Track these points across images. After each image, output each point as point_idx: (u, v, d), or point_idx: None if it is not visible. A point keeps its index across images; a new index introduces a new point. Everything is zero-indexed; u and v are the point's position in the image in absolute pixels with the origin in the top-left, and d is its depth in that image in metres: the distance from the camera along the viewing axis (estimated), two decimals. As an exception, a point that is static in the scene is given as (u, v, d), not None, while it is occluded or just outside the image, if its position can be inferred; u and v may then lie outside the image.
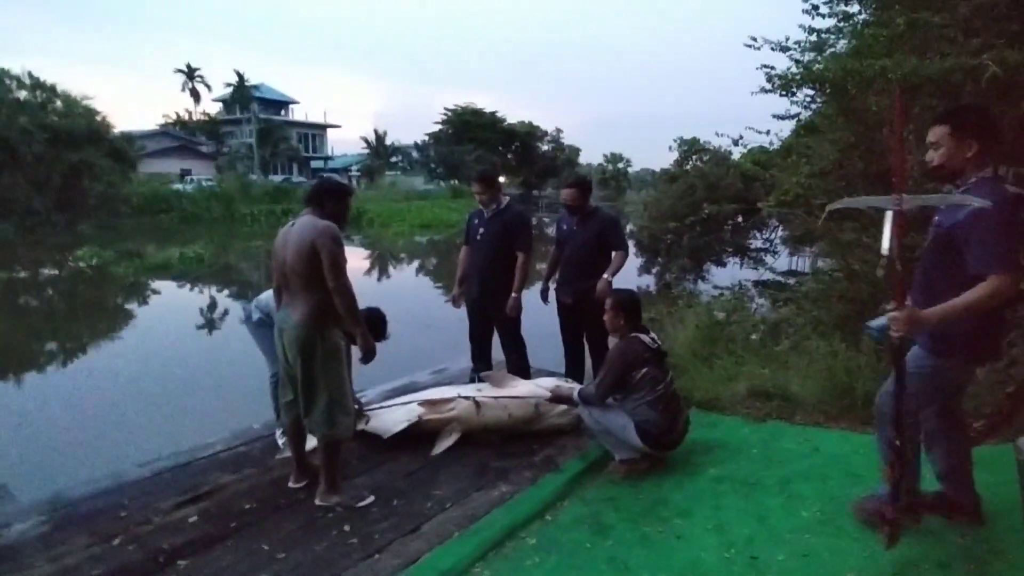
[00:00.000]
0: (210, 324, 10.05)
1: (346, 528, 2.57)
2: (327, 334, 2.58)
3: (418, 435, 3.39)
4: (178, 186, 30.53)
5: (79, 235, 19.87)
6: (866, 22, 4.18)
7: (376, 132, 48.31)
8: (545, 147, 48.70)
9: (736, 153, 12.82)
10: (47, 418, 5.40)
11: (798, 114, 6.12)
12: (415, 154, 47.73)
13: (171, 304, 11.78)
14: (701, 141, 12.21)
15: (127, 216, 24.20)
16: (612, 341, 3.29)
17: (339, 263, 2.53)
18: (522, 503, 2.80)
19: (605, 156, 61.05)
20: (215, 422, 4.86)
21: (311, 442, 2.95)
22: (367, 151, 49.25)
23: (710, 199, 10.48)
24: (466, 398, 3.48)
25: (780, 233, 13.20)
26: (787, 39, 4.80)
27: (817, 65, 4.57)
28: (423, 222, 28.31)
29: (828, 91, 4.47)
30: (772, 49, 4.91)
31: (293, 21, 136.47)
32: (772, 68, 5.09)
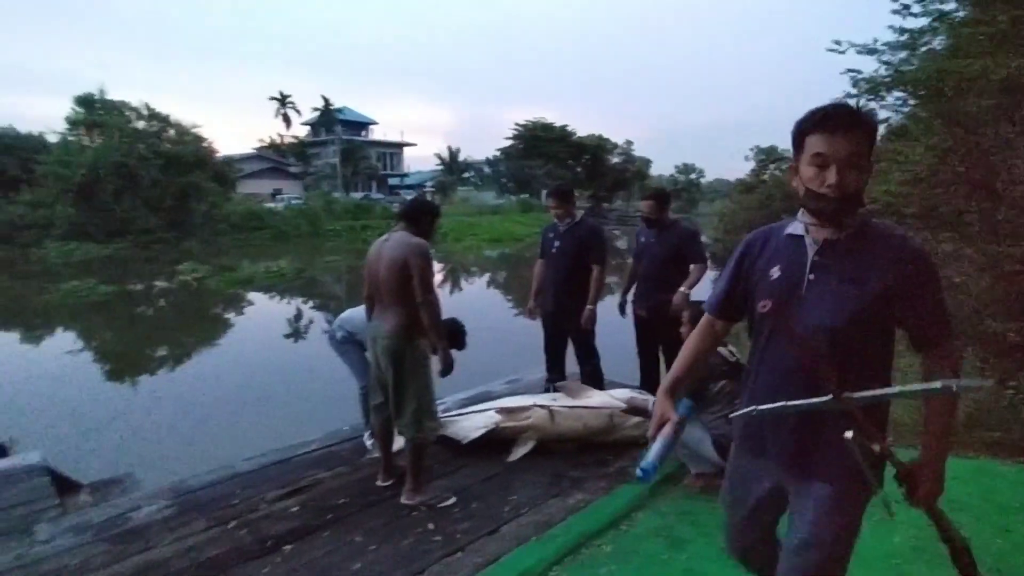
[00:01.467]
0: (295, 333, 10.75)
1: (430, 526, 2.73)
2: (416, 344, 2.77)
3: (495, 442, 3.52)
4: (270, 205, 32.77)
5: (185, 251, 21.75)
6: (963, 20, 3.95)
7: (449, 149, 49.89)
8: (615, 159, 48.41)
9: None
10: (162, 415, 5.99)
11: (887, 119, 5.84)
12: (486, 169, 48.81)
13: (259, 315, 12.68)
14: (779, 149, 11.81)
15: (226, 233, 26.21)
16: None
17: (428, 279, 2.71)
18: (597, 511, 2.85)
19: (677, 167, 59.93)
20: (303, 424, 5.22)
21: (397, 443, 3.14)
22: (441, 167, 50.88)
23: (789, 210, 10.09)
24: (542, 407, 3.58)
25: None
26: (875, 41, 4.62)
27: (908, 67, 4.37)
28: (494, 236, 28.84)
29: (921, 94, 4.27)
30: (858, 52, 4.74)
31: (372, 46, 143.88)
32: (858, 72, 4.92)
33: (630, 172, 48.78)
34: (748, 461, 1.51)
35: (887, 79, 4.27)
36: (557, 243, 3.97)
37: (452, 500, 2.94)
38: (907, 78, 4.26)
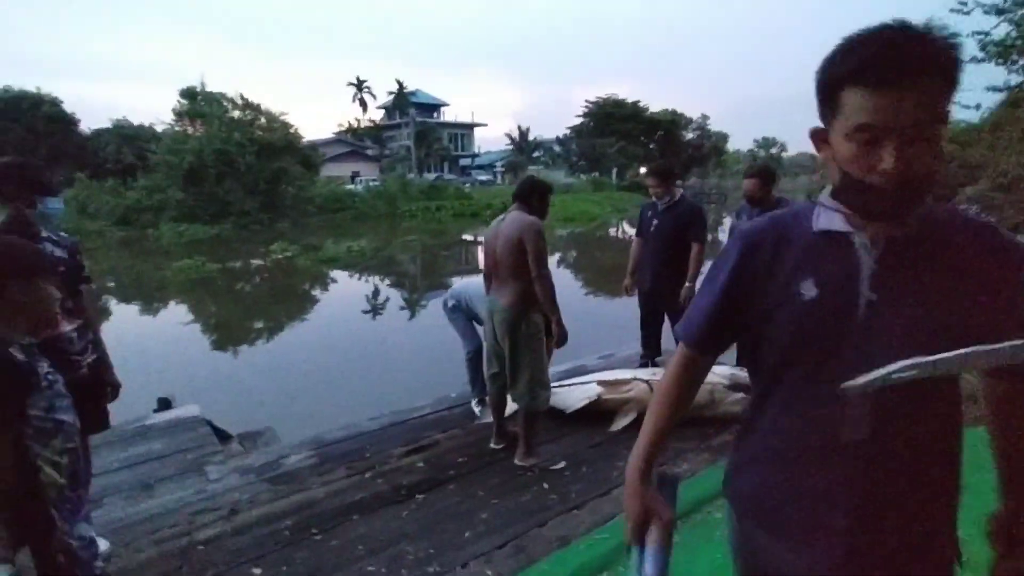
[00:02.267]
0: (374, 309, 11.31)
1: (544, 486, 2.94)
2: (530, 317, 2.96)
3: (596, 413, 3.68)
4: (350, 187, 34.22)
5: (279, 232, 23.24)
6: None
7: (519, 128, 49.83)
8: (690, 135, 46.76)
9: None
10: (279, 380, 6.59)
11: (1019, 84, 5.42)
12: (557, 148, 48.47)
13: (343, 291, 13.40)
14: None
15: (313, 215, 27.72)
16: None
17: (542, 256, 2.88)
18: (704, 480, 2.96)
19: (756, 141, 57.10)
20: (397, 392, 5.61)
21: (508, 408, 3.37)
22: (511, 147, 51.02)
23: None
24: (643, 381, 3.70)
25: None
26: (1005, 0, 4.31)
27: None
28: (566, 216, 28.77)
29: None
30: (985, 12, 4.44)
31: (442, 30, 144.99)
32: (987, 34, 4.61)
33: (706, 147, 47.05)
34: (764, 538, 1.01)
35: (1019, 41, 3.98)
36: (656, 221, 4.03)
37: (563, 464, 3.14)
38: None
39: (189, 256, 16.03)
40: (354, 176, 39.64)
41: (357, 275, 15.01)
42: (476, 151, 58.24)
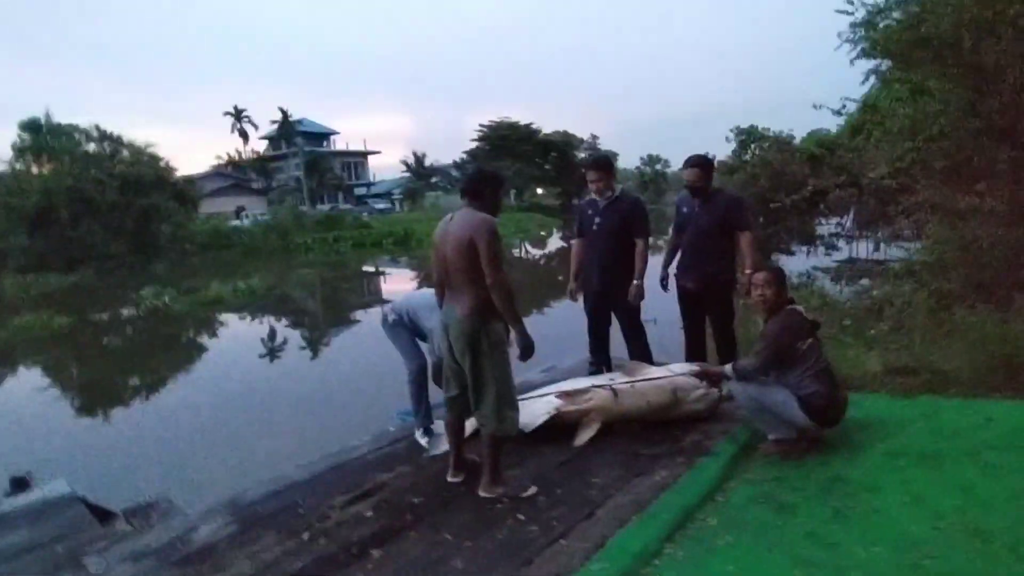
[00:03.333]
0: (272, 351, 10.26)
1: (520, 517, 2.56)
2: (491, 328, 2.59)
3: (555, 427, 3.37)
4: (236, 222, 31.85)
5: (153, 275, 20.88)
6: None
7: (415, 154, 49.48)
8: (582, 154, 48.70)
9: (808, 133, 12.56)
10: (176, 440, 5.63)
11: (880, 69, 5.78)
12: (454, 173, 48.45)
13: (237, 335, 11.92)
14: (759, 128, 11.96)
15: (194, 254, 25.33)
16: (755, 325, 3.20)
17: (497, 258, 2.54)
18: (688, 486, 2.73)
19: (642, 159, 60.63)
20: (329, 432, 4.98)
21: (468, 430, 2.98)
22: (407, 174, 50.33)
23: (776, 188, 10.19)
24: (602, 387, 3.45)
25: (848, 219, 12.72)
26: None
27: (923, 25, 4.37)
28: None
29: (936, 48, 4.27)
30: (868, 11, 4.75)
31: (326, 57, 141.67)
32: (862, 30, 4.92)
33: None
34: None
35: (904, 38, 4.24)
36: (598, 219, 3.84)
37: (534, 489, 2.78)
38: (924, 35, 4.25)
39: (36, 310, 13.78)
40: (239, 211, 36.99)
41: (249, 316, 13.63)
42: (371, 179, 56.76)
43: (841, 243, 12.40)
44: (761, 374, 2.94)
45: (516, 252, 26.08)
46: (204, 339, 12.06)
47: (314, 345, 10.60)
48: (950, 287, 4.54)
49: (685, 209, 3.89)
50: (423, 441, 3.41)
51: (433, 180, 50.24)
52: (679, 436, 3.28)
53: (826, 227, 12.08)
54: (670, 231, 4.10)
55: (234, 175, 44.04)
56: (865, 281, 9.00)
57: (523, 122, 45.47)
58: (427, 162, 49.79)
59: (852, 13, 4.79)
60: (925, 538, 2.12)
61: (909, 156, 4.42)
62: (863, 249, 12.69)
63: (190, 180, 29.15)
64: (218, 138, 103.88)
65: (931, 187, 4.69)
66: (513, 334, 2.67)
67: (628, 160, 61.10)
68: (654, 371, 3.56)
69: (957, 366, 3.58)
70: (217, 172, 43.19)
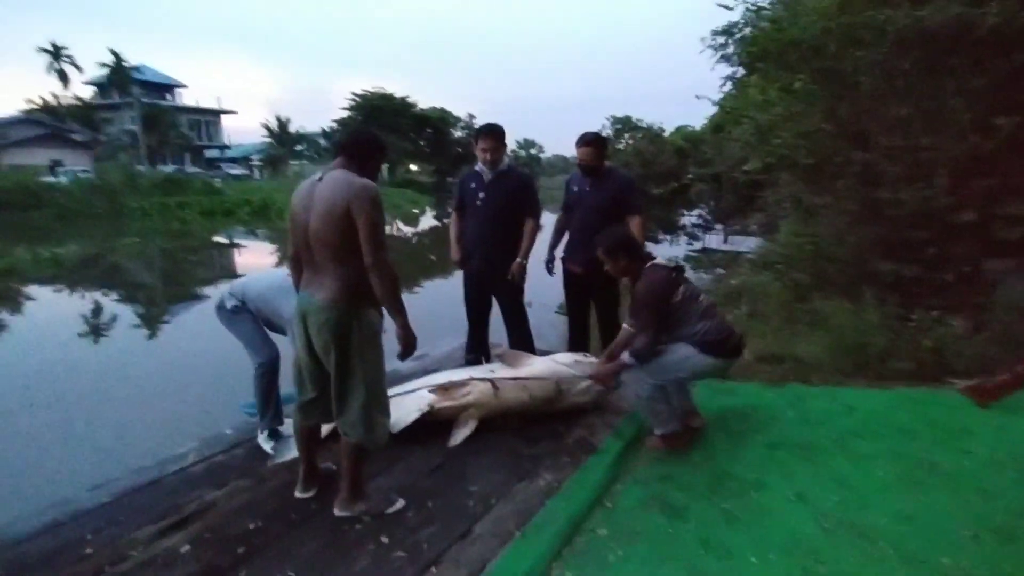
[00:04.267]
0: (90, 331, 8.68)
1: (384, 540, 2.14)
2: (363, 316, 2.10)
3: (428, 426, 2.98)
4: (50, 179, 26.97)
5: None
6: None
7: (278, 119, 45.30)
8: (459, 133, 48.06)
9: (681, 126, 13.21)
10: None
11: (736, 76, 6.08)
12: (322, 142, 45.35)
13: (36, 313, 9.89)
14: (634, 119, 12.42)
15: (-11, 213, 21.00)
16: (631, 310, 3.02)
17: (379, 232, 2.03)
18: (575, 491, 2.49)
19: (518, 142, 61.49)
20: (149, 438, 4.13)
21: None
22: (268, 139, 46.15)
23: (649, 176, 10.64)
24: (482, 380, 3.11)
25: (704, 210, 13.73)
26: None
27: (794, 27, 4.53)
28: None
29: (804, 50, 4.44)
30: (748, 9, 4.85)
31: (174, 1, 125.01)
32: (733, 32, 5.05)
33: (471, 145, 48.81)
34: None
35: (775, 41, 4.36)
36: (482, 194, 3.46)
37: (401, 503, 2.37)
38: (790, 37, 4.41)
39: None
40: (55, 166, 31.36)
41: (55, 291, 11.28)
42: (226, 142, 51.32)
43: (699, 232, 13.41)
44: (655, 344, 2.74)
45: (388, 229, 24.99)
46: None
47: (142, 326, 9.07)
48: (804, 279, 4.82)
49: (575, 188, 3.64)
50: (267, 447, 2.83)
51: (298, 148, 46.58)
52: (562, 432, 3.05)
53: (688, 218, 12.95)
54: (555, 215, 3.85)
55: (50, 123, 37.22)
56: (719, 270, 9.59)
57: (398, 95, 43.66)
58: (292, 128, 45.95)
59: (732, 8, 4.86)
60: (814, 540, 2.05)
61: (778, 152, 4.60)
62: (715, 241, 13.82)
63: (-15, 123, 24.05)
64: (30, 80, 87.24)
65: (793, 183, 4.93)
66: (394, 327, 2.20)
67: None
68: (537, 363, 3.28)
69: (817, 355, 3.75)
70: (27, 118, 36.23)
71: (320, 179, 2.11)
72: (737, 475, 2.54)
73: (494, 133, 3.39)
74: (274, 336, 2.90)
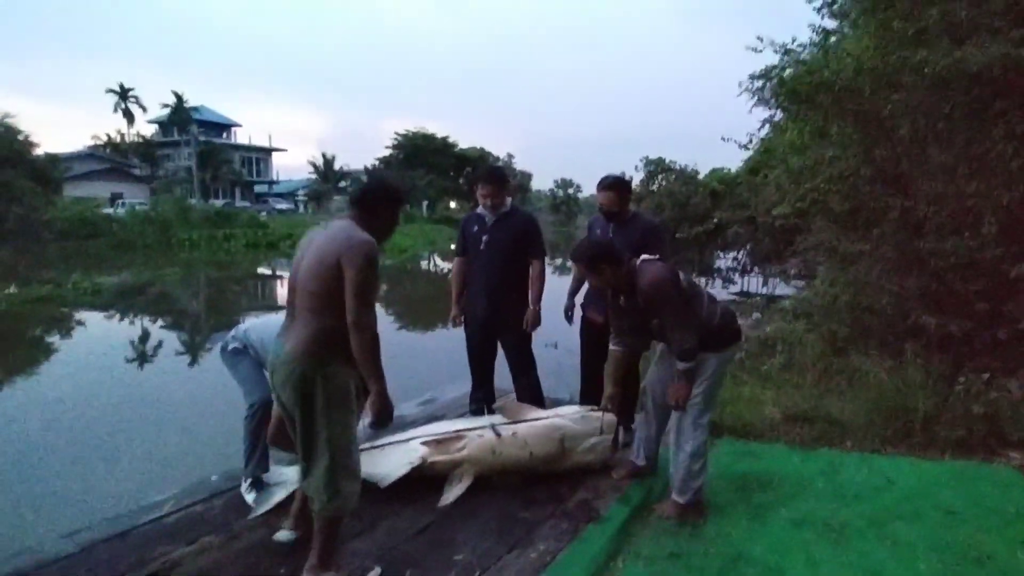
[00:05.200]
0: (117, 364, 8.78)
1: (351, 617, 1.95)
2: (331, 373, 1.95)
3: (420, 480, 2.78)
4: (108, 210, 28.50)
5: (-5, 262, 17.93)
6: (883, 20, 3.96)
7: (324, 156, 47.11)
8: (497, 173, 48.86)
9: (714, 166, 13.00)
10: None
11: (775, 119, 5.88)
12: (365, 178, 46.77)
13: (71, 344, 9.82)
14: (667, 160, 12.27)
15: (50, 241, 22.18)
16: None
17: (367, 291, 1.90)
18: (569, 566, 2.24)
19: (556, 182, 61.78)
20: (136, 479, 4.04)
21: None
22: (314, 175, 47.92)
23: (680, 218, 10.41)
24: (479, 434, 2.91)
25: (744, 253, 13.33)
26: (793, 40, 4.59)
27: (825, 70, 4.33)
28: (376, 247, 27.32)
29: (836, 92, 4.22)
30: (775, 51, 4.69)
31: (234, 45, 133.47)
32: (771, 75, 4.88)
33: (512, 185, 49.48)
34: None
35: (807, 82, 4.15)
36: (486, 237, 3.33)
37: (376, 572, 2.17)
38: (822, 79, 4.21)
39: None
40: (115, 198, 33.18)
41: (89, 319, 11.32)
42: (274, 177, 53.53)
43: (735, 276, 12.94)
44: (698, 332, 2.52)
45: (424, 264, 25.29)
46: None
47: (177, 357, 9.20)
48: (842, 330, 4.48)
49: (598, 231, 3.45)
50: (249, 497, 2.69)
51: (341, 184, 48.12)
52: (564, 494, 2.81)
53: (723, 261, 12.55)
54: None
55: (112, 158, 39.68)
56: (757, 315, 9.18)
57: (440, 134, 44.90)
58: (337, 165, 47.62)
59: (760, 51, 4.70)
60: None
61: (809, 197, 4.35)
62: (754, 284, 13.35)
63: (54, 159, 25.79)
64: (98, 119, 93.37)
65: (827, 229, 4.65)
66: (370, 393, 2.01)
67: (542, 182, 62.15)
68: (541, 416, 3.07)
69: (853, 416, 3.42)
70: (91, 153, 38.73)
71: (324, 227, 2.04)
72: (755, 558, 2.25)
73: (493, 178, 3.28)
74: None
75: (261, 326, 2.82)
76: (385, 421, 2.03)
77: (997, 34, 3.22)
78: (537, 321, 3.30)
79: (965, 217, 3.68)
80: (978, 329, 3.53)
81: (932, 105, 3.75)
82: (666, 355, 2.73)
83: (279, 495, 2.65)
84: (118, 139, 42.21)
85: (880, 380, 3.42)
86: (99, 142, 41.37)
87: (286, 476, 2.71)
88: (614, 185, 3.30)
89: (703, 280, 12.67)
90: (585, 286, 3.55)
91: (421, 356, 6.79)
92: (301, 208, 44.90)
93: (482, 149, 46.85)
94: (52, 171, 24.60)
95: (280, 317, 2.84)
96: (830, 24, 4.73)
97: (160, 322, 11.63)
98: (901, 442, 3.16)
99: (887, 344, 3.83)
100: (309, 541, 2.13)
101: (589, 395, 3.57)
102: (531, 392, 3.41)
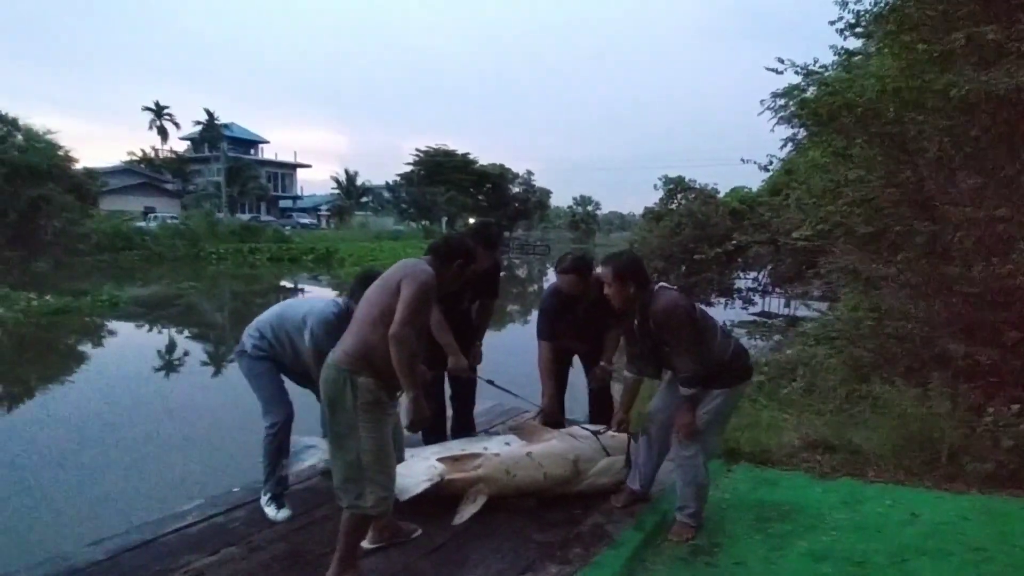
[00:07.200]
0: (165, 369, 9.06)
1: (364, 632, 1.97)
2: (361, 383, 2.05)
3: (434, 498, 2.80)
4: (141, 223, 29.34)
5: (33, 274, 18.48)
6: (907, 43, 3.94)
7: (347, 172, 47.94)
8: (516, 189, 49.15)
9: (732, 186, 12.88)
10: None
11: (798, 137, 5.85)
12: (386, 195, 47.44)
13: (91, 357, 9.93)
14: (687, 179, 12.27)
15: (86, 253, 22.84)
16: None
17: (416, 310, 2.05)
18: (583, 591, 2.24)
19: (575, 199, 61.95)
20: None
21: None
22: (337, 191, 48.75)
23: (699, 238, 10.35)
24: (495, 453, 2.93)
25: (764, 274, 13.17)
26: (815, 61, 4.59)
27: (848, 91, 4.32)
28: (395, 261, 27.61)
29: (859, 114, 4.19)
30: (796, 72, 4.69)
31: (262, 65, 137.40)
32: (794, 94, 4.88)
33: (531, 202, 49.65)
34: None
35: (830, 102, 4.14)
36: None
37: (392, 588, 2.20)
38: (845, 100, 4.19)
39: None
40: (148, 212, 34.16)
41: (105, 332, 11.42)
42: (299, 192, 54.64)
43: (755, 296, 12.76)
44: (706, 363, 2.53)
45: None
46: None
47: (215, 363, 9.38)
48: (865, 356, 4.41)
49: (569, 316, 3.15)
50: (269, 510, 2.74)
51: (363, 200, 48.89)
52: (579, 517, 2.80)
53: (744, 281, 12.43)
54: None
55: (146, 173, 40.94)
56: (778, 337, 9.06)
57: (460, 151, 45.38)
58: (359, 181, 48.39)
59: (781, 72, 4.71)
60: None
61: (832, 219, 4.31)
62: (775, 304, 13.16)
63: (92, 173, 26.60)
64: (134, 134, 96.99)
65: (850, 252, 4.60)
66: (405, 400, 2.14)
67: (561, 199, 62.20)
68: (555, 438, 3.07)
69: (876, 445, 3.35)
70: (127, 168, 40.01)
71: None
72: (771, 590, 2.22)
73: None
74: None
75: (276, 320, 2.81)
76: (419, 426, 2.22)
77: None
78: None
79: (995, 243, 3.61)
80: (1008, 358, 3.45)
81: (959, 128, 3.71)
82: (673, 382, 2.71)
83: (311, 459, 2.95)
84: (152, 155, 43.55)
85: (904, 408, 3.34)
86: (134, 157, 42.72)
87: (319, 445, 2.91)
88: (572, 268, 3.00)
89: (723, 300, 12.52)
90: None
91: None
92: (323, 223, 45.67)
93: (502, 166, 47.19)
94: (90, 185, 25.36)
95: (290, 300, 2.99)
96: (853, 44, 4.72)
97: (179, 334, 11.91)
98: (926, 474, 3.08)
99: (912, 371, 3.76)
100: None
101: (597, 415, 3.55)
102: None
